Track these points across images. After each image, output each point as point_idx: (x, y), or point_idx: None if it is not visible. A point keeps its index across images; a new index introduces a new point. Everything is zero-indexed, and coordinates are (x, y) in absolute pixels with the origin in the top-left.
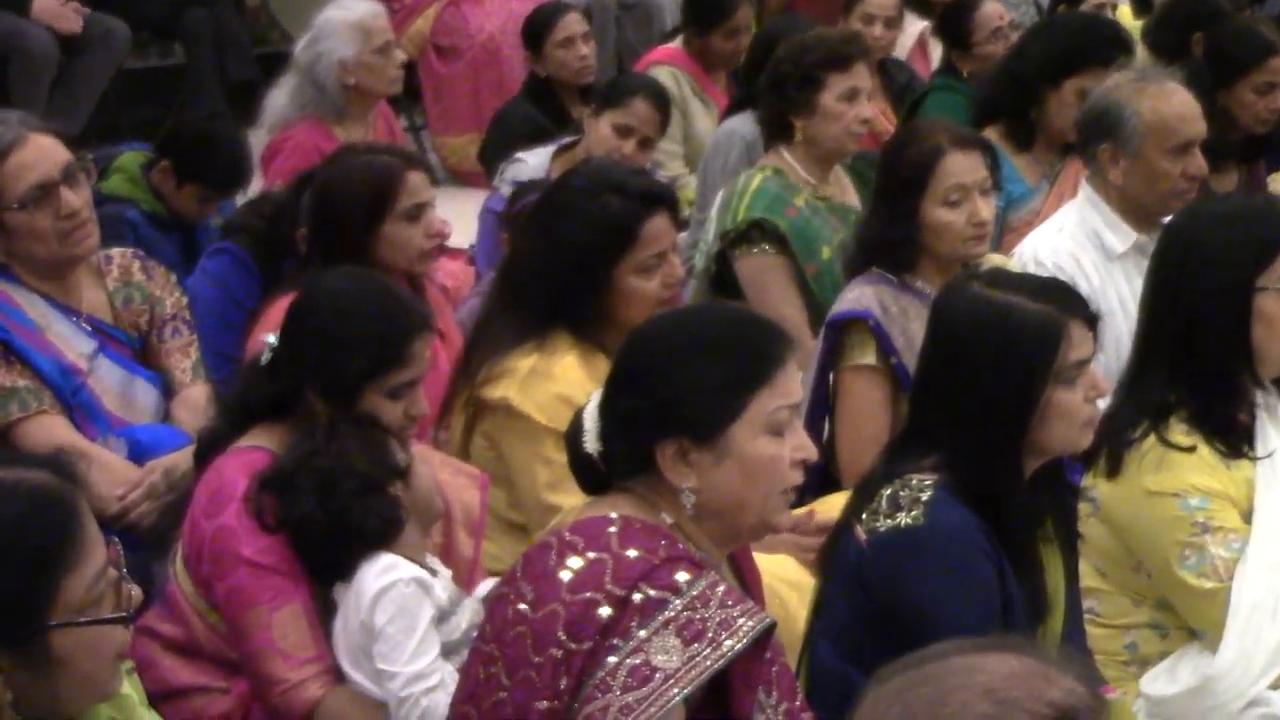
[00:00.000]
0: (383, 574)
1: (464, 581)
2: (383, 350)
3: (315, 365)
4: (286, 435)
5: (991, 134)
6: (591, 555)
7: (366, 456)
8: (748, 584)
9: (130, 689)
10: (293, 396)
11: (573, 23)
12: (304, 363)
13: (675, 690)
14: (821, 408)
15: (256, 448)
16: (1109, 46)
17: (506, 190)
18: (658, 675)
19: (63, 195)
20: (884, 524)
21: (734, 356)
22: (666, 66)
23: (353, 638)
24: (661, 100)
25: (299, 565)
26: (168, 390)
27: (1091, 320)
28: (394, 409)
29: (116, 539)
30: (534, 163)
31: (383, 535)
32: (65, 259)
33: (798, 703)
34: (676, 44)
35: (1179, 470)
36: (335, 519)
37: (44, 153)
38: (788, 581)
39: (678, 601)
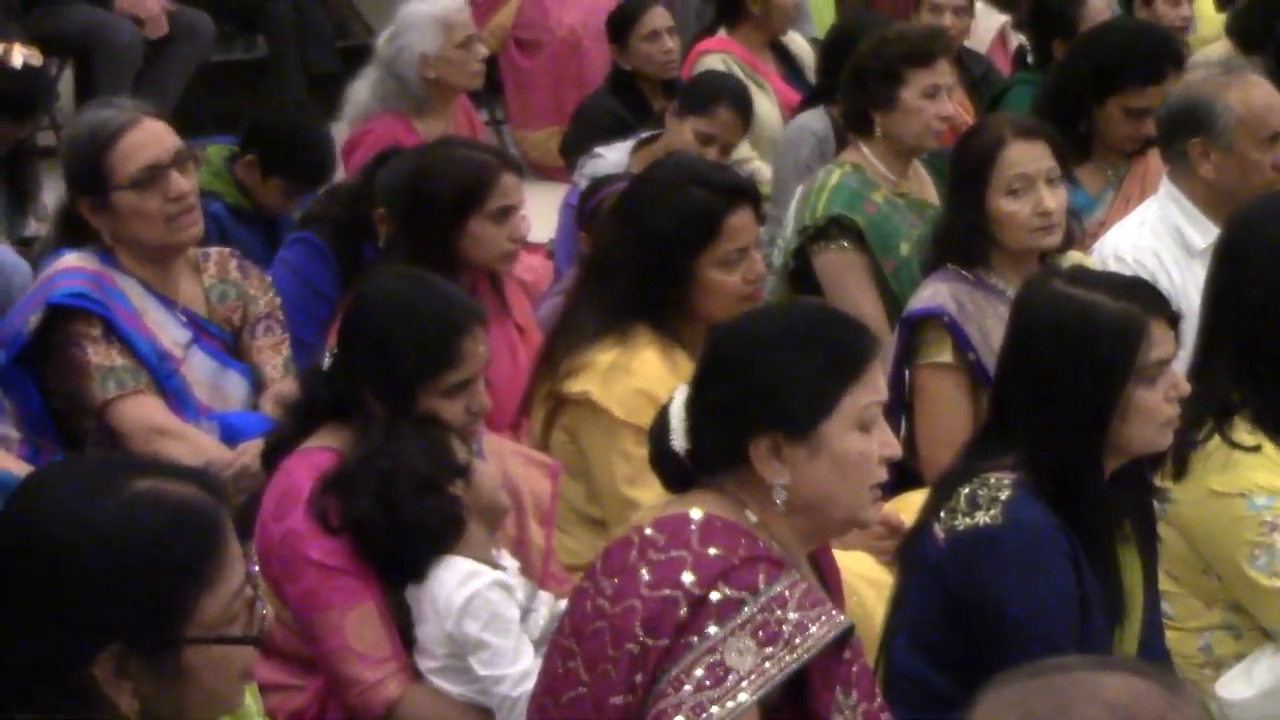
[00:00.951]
0: (464, 583)
1: (537, 571)
2: (434, 352)
3: (370, 369)
4: (351, 435)
5: None
6: (672, 552)
7: (425, 456)
8: (828, 581)
9: (250, 699)
10: (352, 399)
11: (658, 16)
12: (359, 366)
13: (747, 691)
14: (898, 406)
15: (323, 448)
16: (1154, 63)
17: (585, 185)
18: (731, 676)
19: (172, 178)
20: (962, 522)
21: (827, 352)
22: (717, 54)
23: (434, 642)
24: (744, 105)
25: (368, 565)
26: (258, 386)
27: (1173, 319)
28: (453, 407)
29: (255, 560)
30: (613, 158)
31: (443, 535)
32: (170, 245)
33: (876, 703)
34: (722, 33)
35: (1244, 470)
36: (394, 519)
37: (155, 136)
38: (866, 579)
39: (755, 602)
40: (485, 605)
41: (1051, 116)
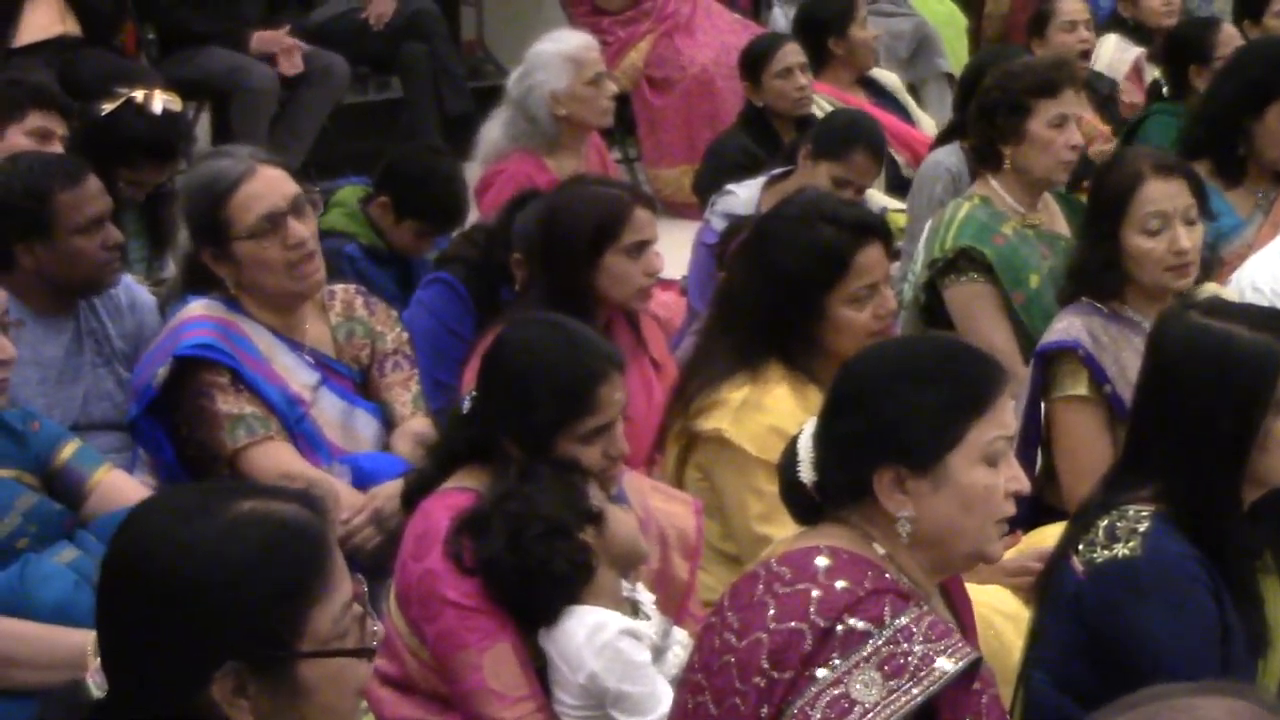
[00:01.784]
0: (594, 635)
1: (678, 606)
2: (571, 399)
3: (508, 414)
4: (490, 477)
5: (1200, 171)
6: (798, 585)
7: (557, 500)
8: (960, 613)
9: None
10: (491, 442)
11: (791, 53)
12: (498, 411)
13: None
14: (1033, 439)
15: (463, 489)
16: None
17: (718, 223)
18: (856, 709)
19: (290, 226)
20: (1101, 555)
21: (952, 385)
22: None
23: (568, 691)
24: (878, 146)
25: (506, 608)
26: (388, 423)
27: None
28: (590, 452)
29: (360, 575)
30: (744, 195)
31: (570, 580)
32: (293, 293)
33: None
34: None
35: None
36: (521, 562)
37: (272, 184)
38: (1002, 613)
39: (880, 635)
40: (616, 656)
41: (1205, 140)
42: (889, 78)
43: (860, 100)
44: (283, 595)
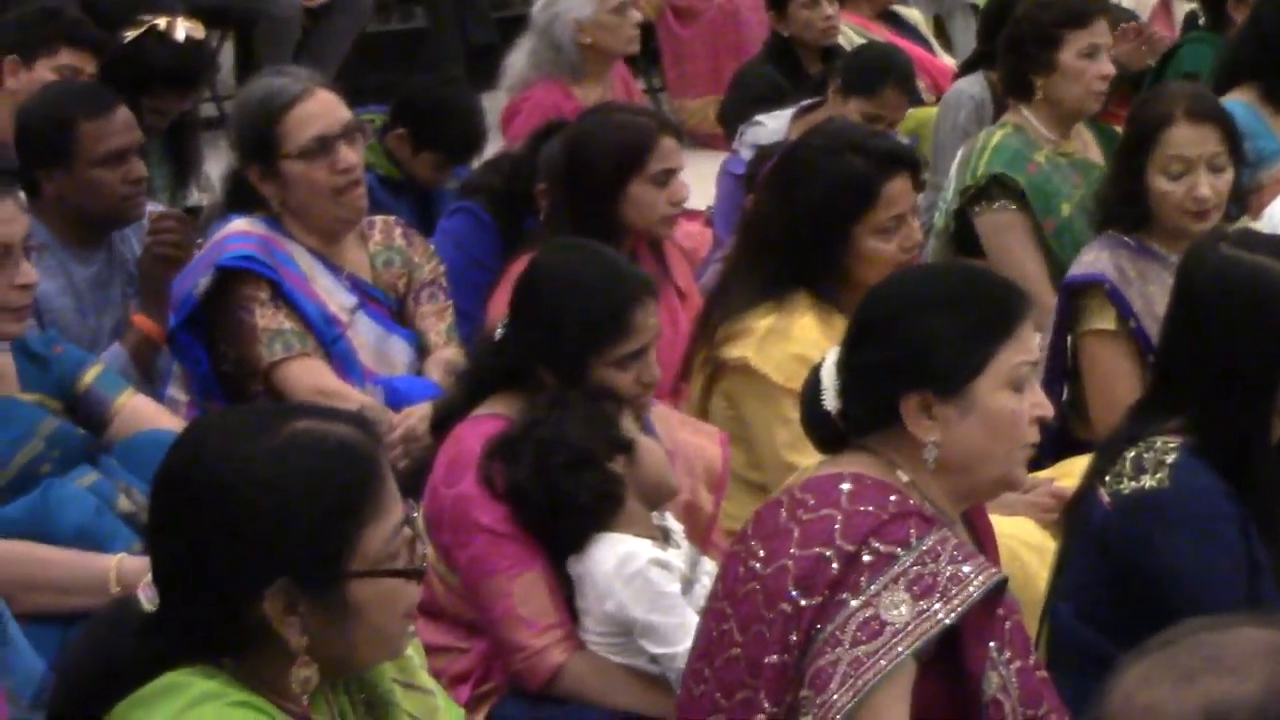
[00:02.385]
0: (624, 564)
1: (703, 537)
2: (605, 323)
3: (541, 340)
4: (521, 403)
5: (1244, 95)
6: (822, 511)
7: (586, 428)
8: (982, 541)
9: (413, 652)
10: (524, 369)
11: None
12: (531, 337)
13: (904, 644)
14: (1059, 371)
15: (494, 415)
16: None
17: (745, 153)
18: (887, 629)
19: (340, 150)
20: (1128, 486)
21: (977, 310)
22: None
23: (596, 618)
24: (909, 81)
25: (537, 535)
26: (422, 351)
27: None
28: (624, 378)
29: (410, 499)
30: (773, 125)
31: (597, 510)
32: (336, 218)
33: (1031, 660)
34: None
35: None
36: (548, 489)
37: (327, 107)
38: (1028, 544)
39: (907, 556)
40: (645, 586)
41: (1250, 64)
42: (910, 13)
43: (883, 32)
44: (335, 514)
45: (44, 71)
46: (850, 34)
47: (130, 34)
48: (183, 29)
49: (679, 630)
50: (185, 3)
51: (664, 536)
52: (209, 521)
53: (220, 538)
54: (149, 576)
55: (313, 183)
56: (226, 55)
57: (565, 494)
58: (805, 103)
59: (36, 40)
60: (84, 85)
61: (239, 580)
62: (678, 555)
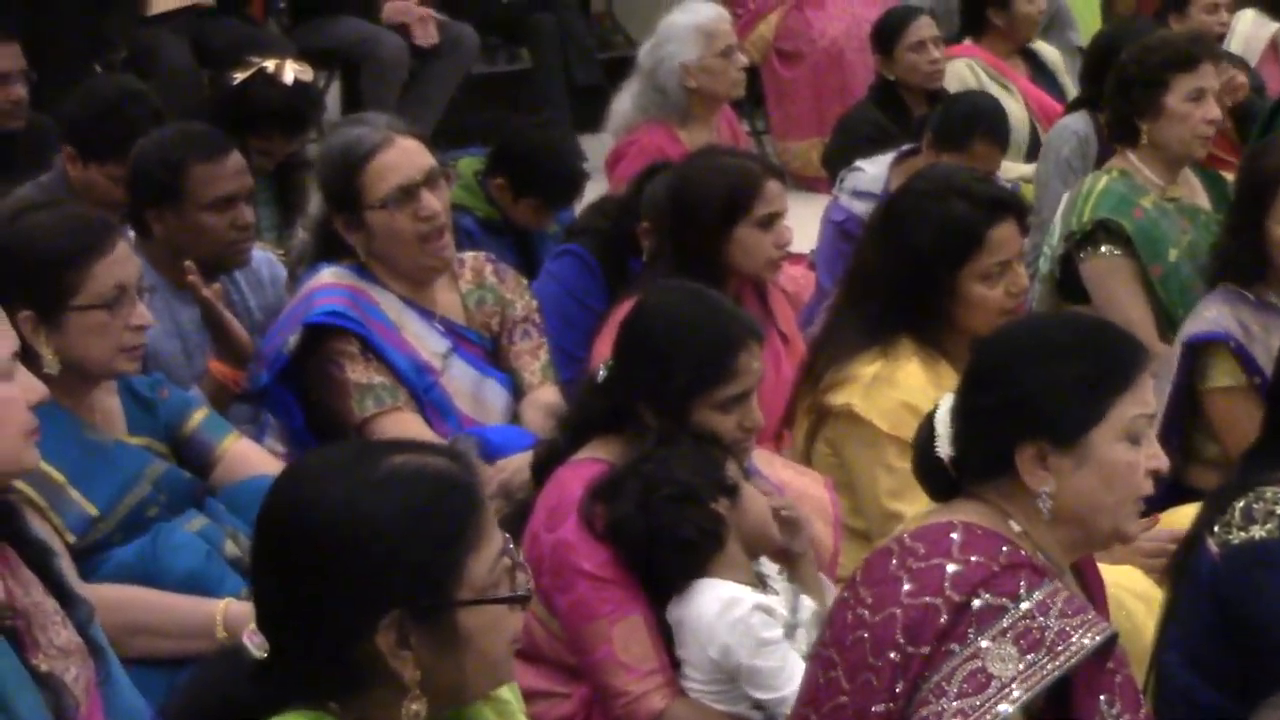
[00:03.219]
0: (727, 610)
1: (827, 571)
2: (709, 365)
3: (645, 380)
4: (623, 448)
5: None
6: (932, 560)
7: (694, 467)
8: (1092, 593)
9: (510, 695)
10: (627, 410)
11: (924, 26)
12: (635, 377)
13: (1010, 699)
14: (1178, 425)
15: (595, 460)
16: None
17: (845, 200)
18: (994, 683)
19: (423, 198)
20: (1237, 536)
21: (1096, 361)
22: (962, 60)
23: (697, 665)
24: (999, 131)
25: (637, 578)
26: (517, 392)
27: None
28: (726, 421)
29: (505, 534)
30: (872, 171)
31: (698, 547)
32: (423, 267)
33: (1141, 714)
34: (968, 42)
35: None
36: (651, 523)
37: (408, 155)
38: (1134, 593)
39: (1017, 609)
40: (749, 631)
41: None
42: (1051, 53)
43: (1016, 72)
44: (442, 544)
45: (113, 169)
46: (968, 75)
47: (239, 76)
48: (291, 72)
49: (783, 675)
50: (293, 43)
51: (761, 582)
52: (317, 561)
53: (330, 576)
54: (253, 624)
55: (398, 232)
56: (333, 96)
57: (667, 527)
58: (905, 148)
59: (104, 144)
60: (199, 129)
61: (351, 617)
62: (778, 601)
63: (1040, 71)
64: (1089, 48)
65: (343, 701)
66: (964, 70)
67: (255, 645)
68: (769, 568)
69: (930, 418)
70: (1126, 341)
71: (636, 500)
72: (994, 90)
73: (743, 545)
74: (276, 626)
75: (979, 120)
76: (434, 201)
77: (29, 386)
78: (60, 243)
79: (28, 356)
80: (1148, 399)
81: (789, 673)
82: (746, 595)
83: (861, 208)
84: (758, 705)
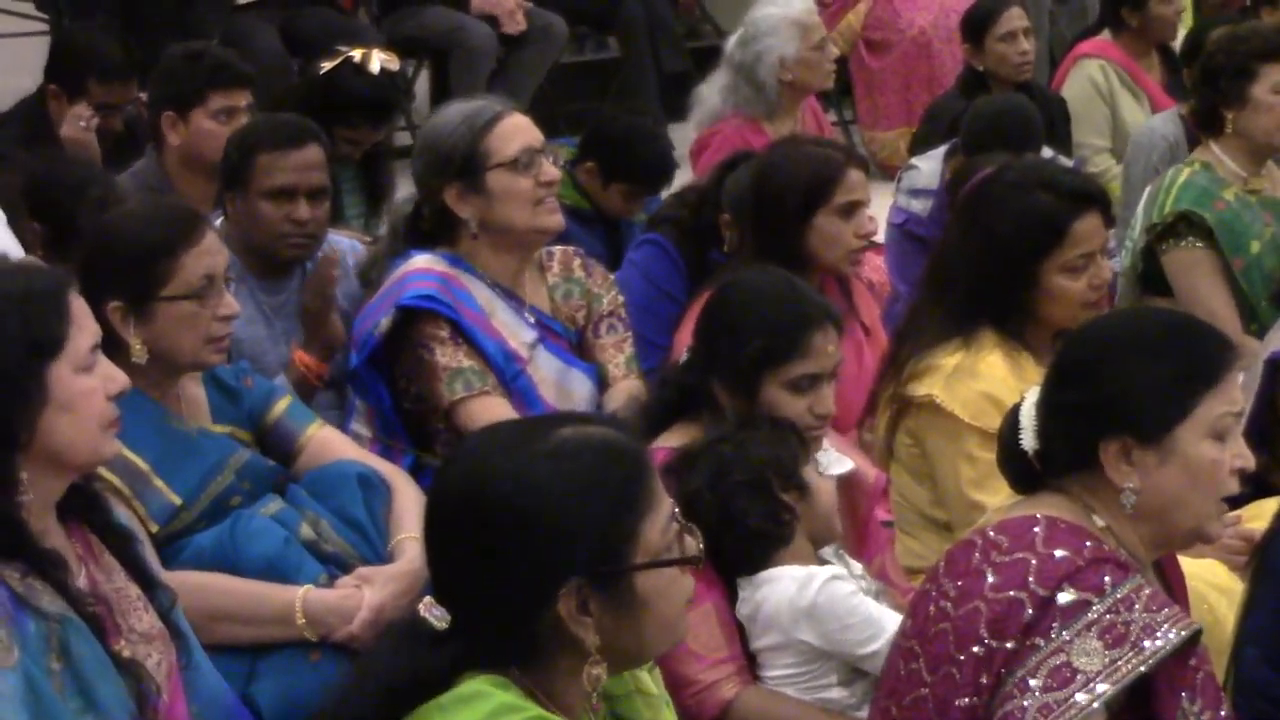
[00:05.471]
0: (804, 588)
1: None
2: (780, 338)
3: (720, 355)
4: (700, 434)
5: None
6: (1016, 554)
7: (769, 455)
8: (1173, 588)
9: (657, 690)
10: (703, 392)
11: (1015, 17)
12: (711, 354)
13: (1094, 693)
14: (1260, 425)
15: (672, 449)
16: None
17: (904, 200)
18: (1078, 677)
19: (544, 163)
20: None
21: (1183, 357)
22: (1096, 59)
23: (774, 654)
24: (1026, 138)
25: (711, 566)
26: (602, 384)
27: None
28: (797, 404)
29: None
30: (927, 168)
31: (766, 538)
32: (535, 229)
33: (1222, 711)
34: (1105, 36)
35: None
36: (720, 503)
37: (526, 124)
38: (1216, 587)
39: (1101, 604)
40: (830, 603)
41: None
42: None
43: (1150, 74)
44: (617, 510)
45: (201, 121)
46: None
47: (326, 65)
48: (378, 61)
49: (873, 627)
50: (382, 33)
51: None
52: (498, 536)
53: (512, 549)
54: (427, 598)
55: (518, 193)
56: (422, 85)
57: (737, 512)
58: (955, 141)
59: (187, 92)
60: (282, 120)
61: (533, 588)
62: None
63: (1175, 70)
64: (1182, 45)
65: (523, 667)
66: (1095, 73)
67: (436, 617)
68: (830, 556)
69: (1016, 410)
70: (1215, 338)
71: (708, 479)
72: (1123, 97)
73: (810, 536)
74: (456, 598)
75: (1002, 126)
76: (552, 169)
77: (110, 376)
78: (150, 233)
79: (115, 347)
80: (1235, 397)
81: (878, 622)
82: (819, 571)
83: (919, 206)
84: (844, 683)
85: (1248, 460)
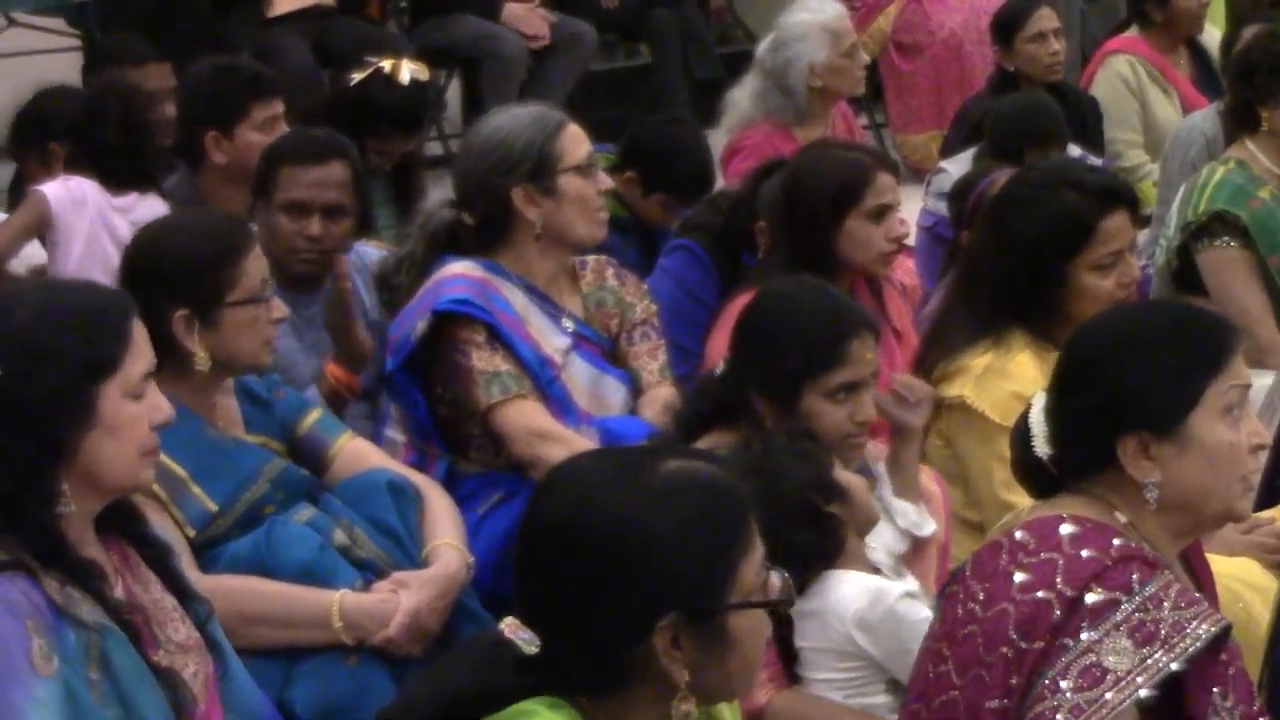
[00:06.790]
0: (878, 601)
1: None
2: (821, 348)
3: (758, 365)
4: (736, 442)
5: None
6: (1043, 555)
7: (808, 477)
8: (1201, 583)
9: (729, 713)
10: (740, 402)
11: (1045, 18)
12: (748, 364)
13: (1125, 692)
14: None
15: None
16: None
17: (932, 204)
18: (1109, 677)
19: (599, 171)
20: None
21: (1185, 345)
22: (1124, 55)
23: (827, 656)
24: (1052, 138)
25: None
26: (635, 391)
27: None
28: (836, 413)
29: None
30: (955, 171)
31: (826, 556)
32: (588, 238)
33: (1255, 707)
34: (1132, 32)
35: None
36: (773, 536)
37: (583, 132)
38: (1251, 585)
39: (1130, 602)
40: (903, 619)
41: None
42: (1212, 45)
43: (1178, 70)
44: (719, 549)
45: (247, 135)
46: (1128, 73)
47: (357, 76)
48: (408, 72)
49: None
50: (412, 43)
51: (873, 570)
52: (598, 570)
53: (613, 581)
54: (510, 619)
55: (584, 198)
56: (453, 94)
57: (793, 544)
58: (984, 144)
59: (230, 107)
60: (311, 135)
61: (631, 620)
62: (913, 584)
63: (1204, 66)
64: (1221, 45)
65: (599, 697)
66: (1124, 68)
67: (524, 640)
68: (879, 557)
69: (1023, 419)
70: (1214, 323)
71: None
72: (1152, 92)
73: (856, 532)
74: (545, 624)
75: (1030, 128)
76: (606, 177)
77: (156, 406)
78: (211, 243)
79: (178, 356)
80: (1241, 373)
81: None
82: (890, 585)
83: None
84: (889, 690)
85: (1264, 437)
